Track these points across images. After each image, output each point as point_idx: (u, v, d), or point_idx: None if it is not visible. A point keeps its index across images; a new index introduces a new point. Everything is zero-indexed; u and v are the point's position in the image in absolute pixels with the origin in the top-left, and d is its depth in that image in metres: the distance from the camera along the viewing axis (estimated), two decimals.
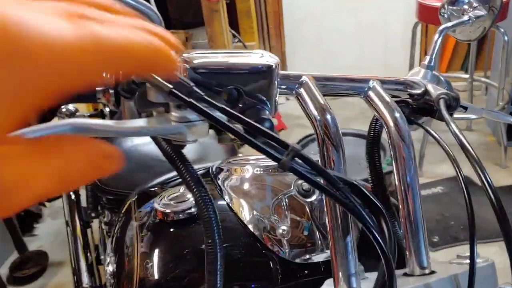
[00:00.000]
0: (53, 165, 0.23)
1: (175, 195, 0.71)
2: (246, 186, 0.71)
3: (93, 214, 1.55)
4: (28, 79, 0.20)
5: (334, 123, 0.52)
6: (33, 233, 2.28)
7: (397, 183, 0.56)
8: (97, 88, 0.48)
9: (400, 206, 0.56)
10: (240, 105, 0.45)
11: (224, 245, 0.62)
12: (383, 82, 0.62)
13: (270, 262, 0.65)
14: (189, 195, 0.71)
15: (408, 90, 0.66)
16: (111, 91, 0.47)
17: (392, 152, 0.57)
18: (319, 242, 0.67)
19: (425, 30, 3.14)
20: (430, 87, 0.65)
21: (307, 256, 0.66)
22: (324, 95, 0.58)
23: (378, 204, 0.48)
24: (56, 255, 2.11)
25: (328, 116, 0.52)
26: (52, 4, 0.22)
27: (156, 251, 0.68)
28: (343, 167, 0.52)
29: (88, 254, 1.55)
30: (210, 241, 0.46)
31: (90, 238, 1.64)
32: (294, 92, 0.55)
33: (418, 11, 2.33)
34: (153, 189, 0.94)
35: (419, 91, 0.65)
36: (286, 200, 0.69)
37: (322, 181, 0.47)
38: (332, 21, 3.30)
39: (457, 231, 2.06)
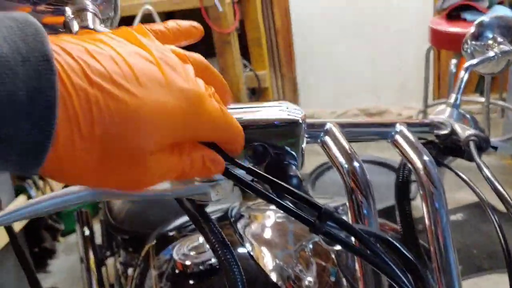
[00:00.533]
0: (183, 161, 0.35)
1: (194, 244, 0.68)
2: (267, 233, 0.69)
3: (107, 253, 1.53)
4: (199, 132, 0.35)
5: (362, 171, 0.49)
6: (46, 269, 2.25)
7: (428, 232, 0.53)
8: None
9: (433, 258, 0.53)
10: (266, 162, 0.43)
11: None
12: (409, 125, 0.60)
13: None
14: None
15: (435, 131, 0.63)
16: None
17: (422, 199, 0.54)
18: None
19: (438, 54, 3.13)
20: (457, 127, 0.63)
21: None
22: (349, 141, 0.56)
23: (416, 264, 0.45)
24: None
25: (356, 164, 0.49)
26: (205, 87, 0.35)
27: None
28: (375, 219, 0.49)
29: None
30: None
31: (104, 276, 1.61)
32: (319, 140, 0.53)
33: (431, 37, 2.32)
34: (171, 233, 0.92)
35: (446, 132, 0.63)
36: (311, 247, 0.66)
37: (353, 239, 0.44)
38: (344, 47, 3.29)
39: (480, 260, 2.00)
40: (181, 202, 0.45)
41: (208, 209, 0.47)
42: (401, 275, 0.40)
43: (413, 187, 2.02)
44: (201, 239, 0.71)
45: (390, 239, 0.45)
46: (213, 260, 0.66)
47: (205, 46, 2.92)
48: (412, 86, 3.23)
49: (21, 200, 1.97)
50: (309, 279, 0.62)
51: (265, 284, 0.64)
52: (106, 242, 1.53)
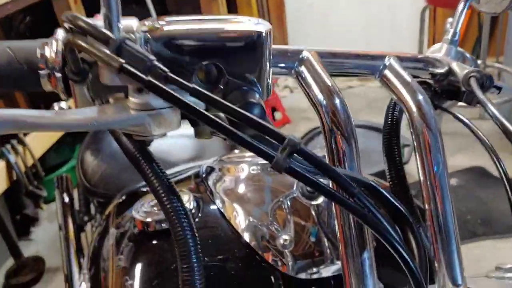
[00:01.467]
0: None
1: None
2: (240, 188, 0.61)
3: (85, 218, 1.46)
4: None
5: (344, 109, 0.41)
6: (29, 237, 2.19)
7: (422, 180, 0.46)
8: (40, 72, 0.37)
9: (427, 209, 0.45)
10: (222, 86, 0.35)
11: (217, 258, 0.52)
12: (400, 59, 0.51)
13: (271, 278, 0.55)
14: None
15: (430, 68, 0.55)
16: (58, 74, 0.37)
17: (415, 142, 0.46)
18: (328, 252, 0.56)
19: (434, 15, 3.01)
20: (455, 66, 0.55)
21: (314, 270, 0.55)
22: (330, 75, 0.47)
23: (404, 211, 0.38)
24: (53, 260, 2.01)
25: (337, 100, 0.41)
26: None
27: (134, 268, 0.57)
28: (357, 163, 0.41)
29: (81, 260, 1.46)
30: (186, 266, 0.36)
31: (84, 243, 1.54)
32: (293, 71, 0.44)
33: None
34: (144, 189, 0.84)
35: (442, 70, 0.55)
36: (288, 203, 0.58)
37: (330, 183, 0.36)
38: (337, 10, 3.17)
39: (474, 225, 1.94)
40: (117, 138, 0.37)
41: (183, 167, 0.39)
42: (385, 224, 0.32)
43: (406, 151, 1.93)
44: (183, 194, 0.63)
45: (373, 183, 0.37)
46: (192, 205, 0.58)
47: (189, 6, 2.79)
48: (406, 48, 3.13)
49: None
50: (285, 237, 0.55)
51: (237, 244, 0.57)
52: (83, 207, 1.46)
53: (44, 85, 0.38)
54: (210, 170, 0.65)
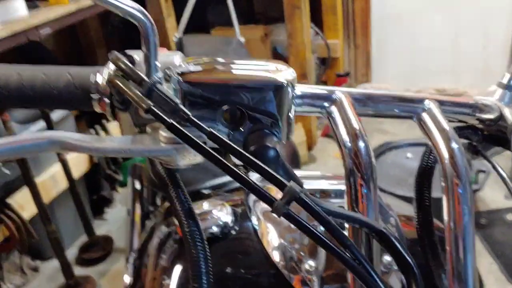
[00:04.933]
0: None
1: (203, 209, 0.65)
2: None
3: (150, 208, 1.55)
4: None
5: (367, 152, 0.42)
6: (103, 217, 2.35)
7: (446, 230, 0.45)
8: (92, 95, 0.42)
9: (447, 260, 0.45)
10: (242, 129, 0.38)
11: (243, 271, 0.54)
12: (443, 103, 0.51)
13: None
14: (218, 213, 0.64)
15: (477, 114, 0.54)
16: (107, 100, 0.42)
17: (444, 192, 0.46)
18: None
19: None
20: (506, 112, 0.53)
21: None
22: (364, 116, 0.49)
23: (410, 262, 0.38)
24: (121, 241, 2.15)
25: (361, 144, 0.43)
26: None
27: (172, 270, 0.62)
28: (375, 207, 0.42)
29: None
30: (196, 285, 0.39)
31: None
32: (325, 111, 0.46)
33: None
34: (205, 191, 0.89)
35: (491, 116, 0.54)
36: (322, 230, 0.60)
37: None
38: (425, 20, 3.06)
39: None
40: (151, 162, 0.41)
41: None
42: (375, 277, 0.34)
43: (481, 177, 1.84)
44: (216, 204, 0.67)
45: (383, 230, 0.38)
46: (216, 229, 0.62)
47: (276, 10, 2.84)
48: (497, 67, 2.95)
49: None
50: (310, 263, 0.56)
51: (264, 261, 0.59)
52: (151, 197, 1.55)
53: (95, 107, 0.43)
54: None
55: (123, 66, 0.35)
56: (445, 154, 0.46)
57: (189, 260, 0.39)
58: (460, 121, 0.55)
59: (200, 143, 0.32)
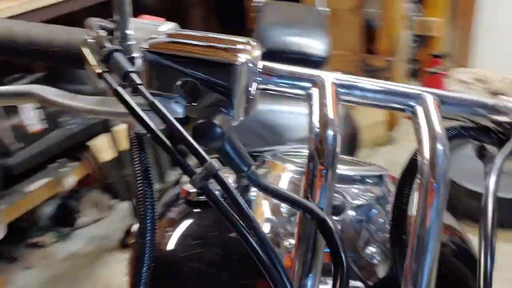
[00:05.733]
0: None
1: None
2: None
3: None
4: None
5: (333, 142, 0.42)
6: (177, 168, 2.49)
7: (411, 227, 0.44)
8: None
9: (406, 264, 0.43)
10: (195, 103, 0.39)
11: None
12: (447, 100, 0.48)
13: None
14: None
15: (493, 115, 0.50)
16: None
17: (417, 189, 0.44)
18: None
19: None
20: None
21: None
22: (353, 103, 0.47)
23: (343, 260, 0.38)
24: None
25: (329, 132, 0.42)
26: None
27: (173, 224, 0.66)
28: (328, 196, 0.42)
29: None
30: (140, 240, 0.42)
31: None
32: (305, 92, 0.46)
33: None
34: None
35: (509, 119, 0.50)
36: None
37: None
38: None
39: None
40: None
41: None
42: (267, 263, 0.35)
43: None
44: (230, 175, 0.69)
45: (327, 218, 0.38)
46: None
47: None
48: None
49: None
50: (291, 241, 0.57)
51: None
52: None
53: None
54: (263, 162, 0.69)
55: (91, 32, 0.38)
56: (426, 153, 0.44)
57: (138, 216, 0.42)
58: (472, 121, 0.51)
59: (139, 110, 0.35)
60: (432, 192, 0.43)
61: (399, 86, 0.48)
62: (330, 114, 0.43)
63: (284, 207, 0.61)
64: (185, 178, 0.68)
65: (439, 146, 0.44)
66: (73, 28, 0.47)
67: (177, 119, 0.39)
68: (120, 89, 0.35)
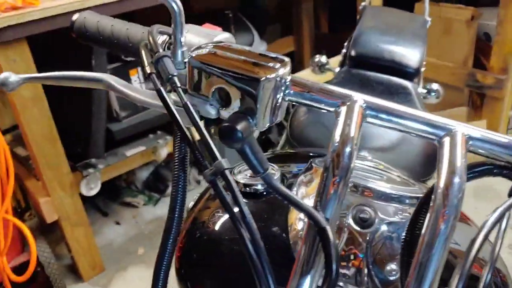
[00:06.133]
0: None
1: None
2: (310, 190, 0.68)
3: None
4: None
5: (349, 159, 0.46)
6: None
7: (417, 252, 0.46)
8: None
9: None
10: (229, 108, 0.45)
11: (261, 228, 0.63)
12: (475, 134, 0.49)
13: None
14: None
15: None
16: None
17: (428, 217, 0.46)
18: (357, 277, 0.61)
19: None
20: None
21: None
22: (382, 126, 0.50)
23: (334, 270, 0.42)
24: None
25: (347, 149, 0.46)
26: None
27: (207, 213, 0.73)
28: (336, 207, 0.46)
29: None
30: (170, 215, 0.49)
31: None
32: (334, 109, 0.49)
33: None
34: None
35: None
36: (349, 221, 0.63)
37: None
38: None
39: None
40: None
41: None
42: (254, 257, 0.40)
43: None
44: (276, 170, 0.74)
45: (326, 228, 0.43)
46: (259, 187, 0.70)
47: None
48: None
49: None
50: None
51: (281, 231, 0.66)
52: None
53: None
54: (310, 167, 0.73)
55: (149, 37, 0.46)
56: (442, 183, 0.45)
57: (171, 194, 0.49)
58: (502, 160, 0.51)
59: (173, 108, 0.41)
60: (442, 221, 0.45)
61: (430, 115, 0.50)
62: (352, 132, 0.46)
63: None
64: (236, 170, 0.75)
65: (456, 179, 0.45)
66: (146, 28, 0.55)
67: (210, 120, 0.46)
68: (162, 89, 0.42)
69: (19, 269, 1.65)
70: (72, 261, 1.91)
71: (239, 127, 0.42)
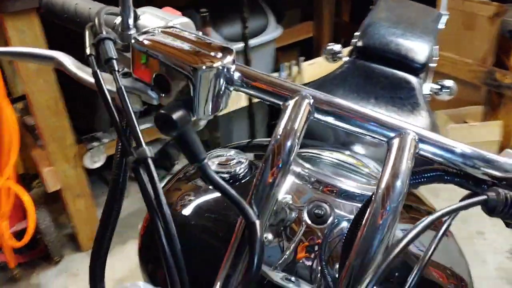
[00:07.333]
0: None
1: (226, 156, 0.73)
2: (294, 181, 0.67)
3: None
4: None
5: (289, 153, 0.45)
6: None
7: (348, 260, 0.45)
8: None
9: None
10: (168, 95, 0.44)
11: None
12: (426, 139, 0.47)
13: None
14: (234, 162, 0.71)
15: (481, 168, 0.48)
16: None
17: (364, 220, 0.45)
18: (309, 274, 0.60)
19: None
20: None
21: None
22: (332, 125, 0.49)
23: (255, 266, 0.41)
24: None
25: (288, 143, 0.45)
26: None
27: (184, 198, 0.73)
28: (269, 201, 0.45)
29: None
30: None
31: None
32: (282, 102, 0.48)
33: None
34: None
35: (500, 174, 0.47)
36: (292, 213, 0.62)
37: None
38: None
39: None
40: None
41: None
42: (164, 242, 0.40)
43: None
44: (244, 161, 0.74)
45: (256, 222, 0.42)
46: (239, 170, 0.70)
47: None
48: None
49: None
50: (267, 236, 0.61)
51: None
52: None
53: None
54: (309, 157, 0.72)
55: (95, 19, 0.46)
56: (383, 185, 0.45)
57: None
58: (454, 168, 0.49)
59: (107, 92, 0.41)
60: (379, 223, 0.44)
61: (382, 116, 0.48)
62: (295, 126, 0.45)
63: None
64: (210, 155, 0.75)
65: (398, 182, 0.44)
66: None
67: (151, 105, 0.45)
68: (98, 72, 0.42)
69: (20, 235, 1.69)
70: (73, 231, 1.95)
71: (175, 116, 0.42)
